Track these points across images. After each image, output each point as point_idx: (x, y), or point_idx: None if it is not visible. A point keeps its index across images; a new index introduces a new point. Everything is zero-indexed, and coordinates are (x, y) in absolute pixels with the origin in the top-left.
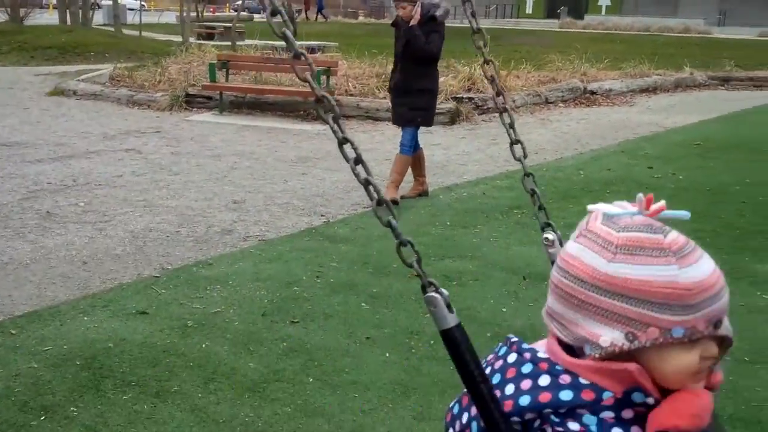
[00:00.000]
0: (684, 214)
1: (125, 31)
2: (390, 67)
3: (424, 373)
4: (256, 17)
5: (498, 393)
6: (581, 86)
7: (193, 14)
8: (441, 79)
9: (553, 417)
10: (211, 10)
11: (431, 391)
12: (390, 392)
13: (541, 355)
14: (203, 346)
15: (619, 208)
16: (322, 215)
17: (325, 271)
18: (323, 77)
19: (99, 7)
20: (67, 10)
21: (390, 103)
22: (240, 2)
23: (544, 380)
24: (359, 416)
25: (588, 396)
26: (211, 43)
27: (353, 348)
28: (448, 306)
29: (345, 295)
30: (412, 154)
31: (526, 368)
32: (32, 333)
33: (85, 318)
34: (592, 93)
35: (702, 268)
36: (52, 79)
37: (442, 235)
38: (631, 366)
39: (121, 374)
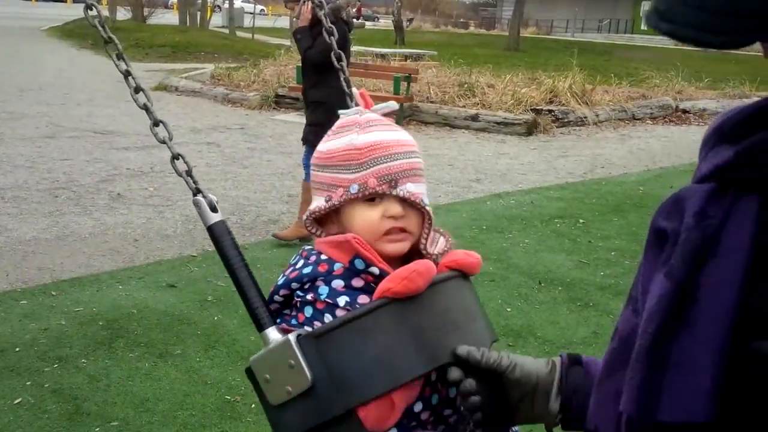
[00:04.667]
0: (391, 104)
1: (239, 34)
2: (473, 75)
3: None
4: (368, 24)
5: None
6: (673, 104)
7: None
8: (523, 90)
9: (298, 291)
10: None
11: None
12: None
13: (309, 247)
14: (215, 318)
15: (350, 110)
16: None
17: None
18: (403, 83)
19: (219, 9)
20: (188, 12)
21: None
22: (354, 9)
23: (299, 263)
24: None
25: (323, 268)
26: None
27: None
28: (212, 207)
29: None
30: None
31: (294, 259)
32: (70, 295)
33: (120, 287)
34: (684, 111)
35: (381, 134)
36: (159, 76)
37: (475, 238)
38: (348, 236)
39: (134, 336)
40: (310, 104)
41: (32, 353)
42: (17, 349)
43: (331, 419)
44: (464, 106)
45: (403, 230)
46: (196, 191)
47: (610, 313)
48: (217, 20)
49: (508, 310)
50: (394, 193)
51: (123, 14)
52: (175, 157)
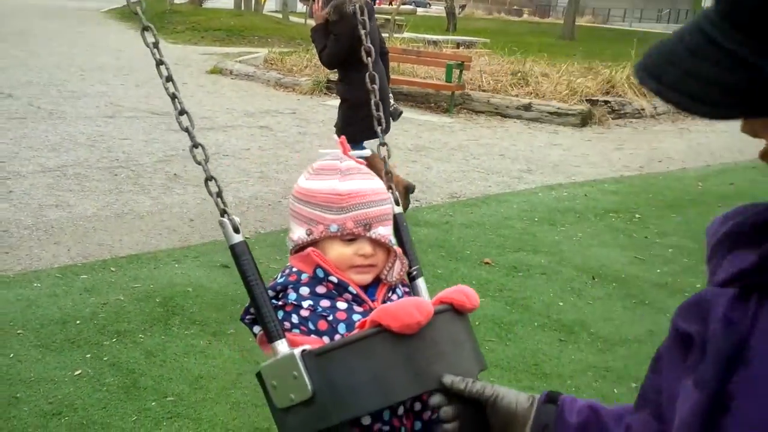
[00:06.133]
0: (365, 151)
1: (292, 19)
2: (527, 63)
3: None
4: (420, 11)
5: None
6: None
7: None
8: (578, 80)
9: (273, 300)
10: (377, 2)
11: None
12: None
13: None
14: None
15: (330, 150)
16: (416, 201)
17: None
18: (456, 71)
19: None
20: None
21: None
22: None
23: (278, 275)
24: None
25: (293, 278)
26: None
27: None
28: (235, 229)
29: None
30: None
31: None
32: (128, 272)
33: (176, 265)
34: None
35: (359, 183)
36: (214, 59)
37: (525, 229)
38: (309, 250)
39: (189, 314)
40: (340, 99)
41: (92, 327)
42: (78, 322)
43: (327, 428)
44: (517, 95)
45: (371, 265)
46: (223, 212)
47: (667, 311)
48: (270, 5)
49: (560, 304)
50: (367, 235)
51: None
52: (209, 178)
